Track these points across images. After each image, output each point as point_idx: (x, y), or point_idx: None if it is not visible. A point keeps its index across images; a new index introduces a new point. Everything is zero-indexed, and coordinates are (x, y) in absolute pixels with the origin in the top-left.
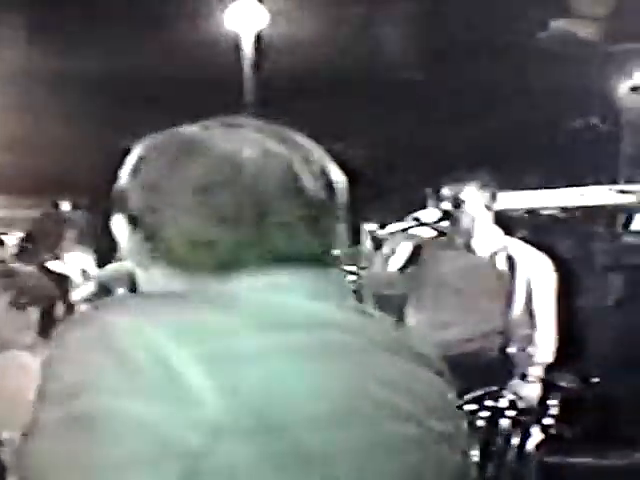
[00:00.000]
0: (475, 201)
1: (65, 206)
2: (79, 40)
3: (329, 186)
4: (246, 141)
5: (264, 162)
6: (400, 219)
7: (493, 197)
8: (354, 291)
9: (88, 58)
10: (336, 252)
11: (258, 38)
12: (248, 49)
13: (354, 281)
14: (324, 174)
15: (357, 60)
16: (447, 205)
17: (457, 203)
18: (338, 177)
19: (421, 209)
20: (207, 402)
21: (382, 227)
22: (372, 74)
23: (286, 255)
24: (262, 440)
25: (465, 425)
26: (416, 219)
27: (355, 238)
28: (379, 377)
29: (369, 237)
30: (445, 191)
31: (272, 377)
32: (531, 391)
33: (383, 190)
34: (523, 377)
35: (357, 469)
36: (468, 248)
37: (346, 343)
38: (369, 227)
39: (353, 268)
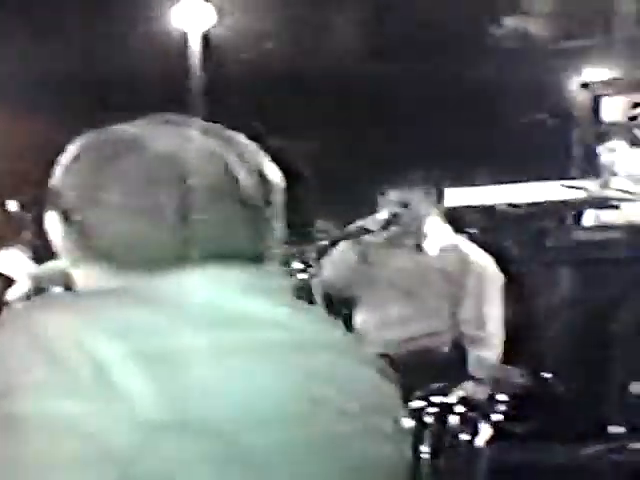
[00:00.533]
0: (424, 202)
1: (12, 206)
2: (24, 40)
3: (265, 184)
4: (183, 139)
5: (201, 160)
6: (351, 217)
7: (441, 196)
8: (304, 289)
9: (33, 58)
10: (275, 250)
11: (205, 36)
12: (195, 47)
13: (304, 279)
14: (260, 172)
15: (307, 57)
16: (395, 209)
17: (405, 206)
18: (275, 175)
19: (372, 208)
20: (141, 402)
21: (333, 225)
22: (322, 71)
23: (223, 253)
24: (199, 440)
25: (405, 422)
26: (362, 226)
27: (306, 235)
28: (318, 375)
29: (319, 237)
30: (393, 195)
31: (208, 376)
32: (480, 391)
33: (334, 188)
34: (472, 378)
35: (297, 469)
36: (418, 249)
37: (285, 341)
38: (320, 225)
39: (302, 266)
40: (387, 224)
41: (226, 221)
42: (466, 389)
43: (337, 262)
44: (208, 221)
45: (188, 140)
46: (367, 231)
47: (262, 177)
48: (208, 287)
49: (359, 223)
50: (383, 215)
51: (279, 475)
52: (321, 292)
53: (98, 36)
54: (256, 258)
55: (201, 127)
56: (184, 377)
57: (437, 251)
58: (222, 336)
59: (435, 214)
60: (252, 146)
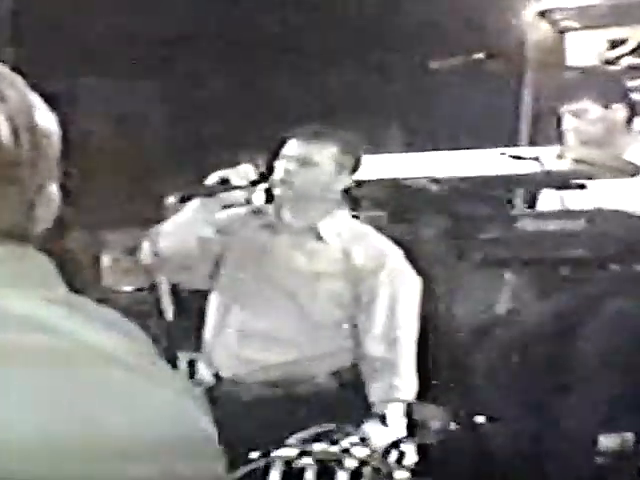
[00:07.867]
0: (334, 163)
1: None
2: None
3: (34, 133)
4: None
5: None
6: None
7: (356, 165)
8: (151, 287)
9: None
10: (42, 228)
11: None
12: None
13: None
14: (30, 122)
15: None
16: (289, 164)
17: (305, 163)
18: (50, 126)
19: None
20: None
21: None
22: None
23: None
24: None
25: (217, 464)
26: (221, 178)
27: (154, 211)
28: (96, 398)
29: (170, 210)
30: (291, 147)
31: None
32: (386, 433)
33: (213, 144)
34: (378, 416)
35: None
36: (310, 235)
37: (51, 347)
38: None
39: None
40: (262, 179)
41: None
42: (364, 431)
43: (180, 227)
44: None
45: None
46: (230, 187)
47: (30, 124)
48: None
49: (218, 174)
50: (258, 166)
51: None
52: (154, 269)
53: None
54: (21, 238)
55: None
56: None
57: (337, 238)
58: None
59: (340, 190)
60: (19, 83)
